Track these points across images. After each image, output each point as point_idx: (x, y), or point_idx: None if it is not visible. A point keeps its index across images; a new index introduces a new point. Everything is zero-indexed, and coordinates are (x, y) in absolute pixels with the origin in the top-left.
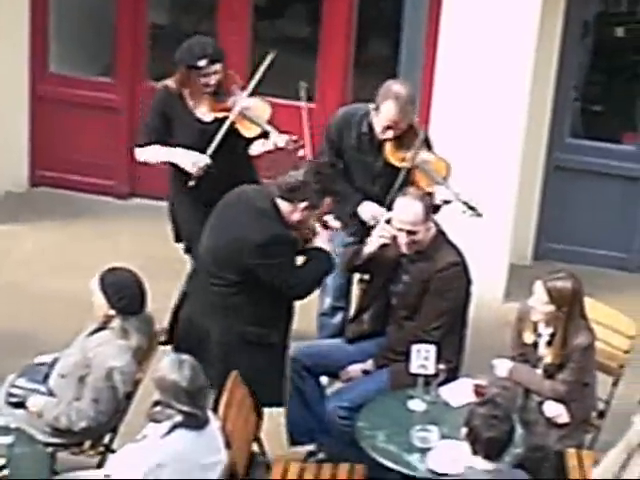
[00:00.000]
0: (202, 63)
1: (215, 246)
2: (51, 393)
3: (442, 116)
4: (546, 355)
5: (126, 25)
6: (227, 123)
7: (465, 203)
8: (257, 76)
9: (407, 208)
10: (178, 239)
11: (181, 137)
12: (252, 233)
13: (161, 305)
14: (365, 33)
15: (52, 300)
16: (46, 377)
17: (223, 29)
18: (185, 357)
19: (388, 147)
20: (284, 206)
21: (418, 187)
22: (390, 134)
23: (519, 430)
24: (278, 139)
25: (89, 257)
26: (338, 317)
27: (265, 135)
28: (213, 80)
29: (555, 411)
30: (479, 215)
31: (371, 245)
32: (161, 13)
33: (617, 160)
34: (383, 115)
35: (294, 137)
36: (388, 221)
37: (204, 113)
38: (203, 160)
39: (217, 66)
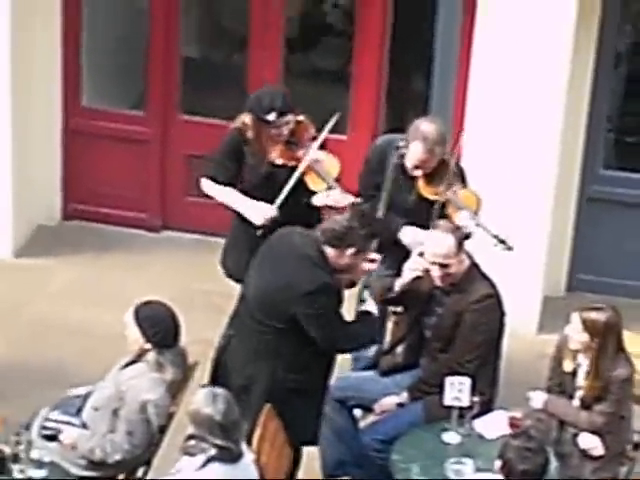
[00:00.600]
0: (271, 117)
1: (262, 293)
2: (84, 426)
3: (474, 150)
4: (583, 386)
5: (158, 58)
6: (297, 173)
7: (495, 237)
8: (327, 129)
9: (439, 241)
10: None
11: (248, 178)
12: (301, 281)
13: (194, 337)
14: (397, 67)
15: (85, 333)
16: (79, 410)
17: (254, 61)
18: (219, 390)
19: (421, 181)
20: (331, 253)
21: (451, 220)
22: (419, 173)
23: (554, 463)
24: (342, 198)
25: (121, 290)
26: (372, 349)
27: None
28: (285, 131)
29: (590, 443)
30: (509, 249)
31: (404, 278)
32: (193, 46)
33: None
34: (411, 155)
35: (359, 200)
36: (421, 254)
37: (274, 158)
38: (270, 212)
39: (287, 117)
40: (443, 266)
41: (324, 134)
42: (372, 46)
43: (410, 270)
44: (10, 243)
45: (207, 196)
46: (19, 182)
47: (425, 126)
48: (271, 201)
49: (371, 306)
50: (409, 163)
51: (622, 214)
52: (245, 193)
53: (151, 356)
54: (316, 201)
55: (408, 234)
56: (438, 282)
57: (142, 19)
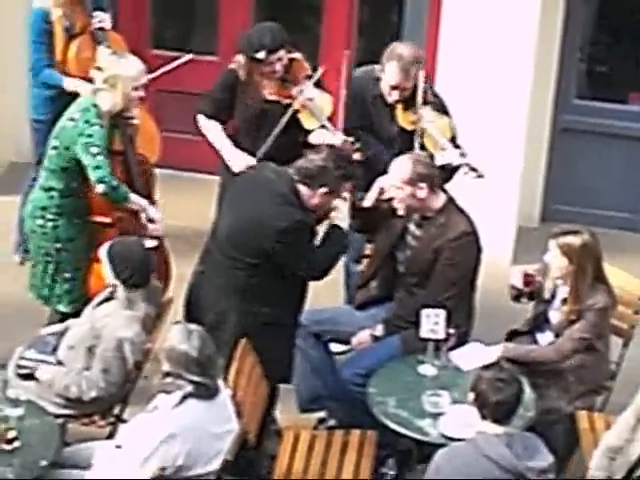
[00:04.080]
0: (261, 55)
1: (235, 229)
2: (60, 364)
3: (446, 78)
4: (561, 313)
5: None
6: (290, 111)
7: (467, 164)
8: (322, 69)
9: (395, 166)
10: None
11: (241, 115)
12: (274, 219)
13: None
14: None
15: None
16: (54, 349)
17: None
18: (194, 327)
19: (399, 110)
20: (304, 190)
21: (434, 150)
22: (396, 95)
23: (529, 393)
24: (334, 138)
25: None
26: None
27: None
28: (278, 67)
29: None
30: (481, 176)
31: (371, 192)
32: None
33: (623, 121)
34: (387, 76)
35: (350, 138)
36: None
37: (268, 95)
38: (248, 163)
39: (278, 54)
40: (397, 189)
41: (318, 73)
42: None
43: (377, 186)
44: None
45: None
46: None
47: (400, 48)
48: (264, 136)
49: (339, 220)
50: (386, 85)
51: (595, 144)
52: (238, 131)
53: (120, 293)
54: (313, 139)
55: None
56: (399, 209)
57: None
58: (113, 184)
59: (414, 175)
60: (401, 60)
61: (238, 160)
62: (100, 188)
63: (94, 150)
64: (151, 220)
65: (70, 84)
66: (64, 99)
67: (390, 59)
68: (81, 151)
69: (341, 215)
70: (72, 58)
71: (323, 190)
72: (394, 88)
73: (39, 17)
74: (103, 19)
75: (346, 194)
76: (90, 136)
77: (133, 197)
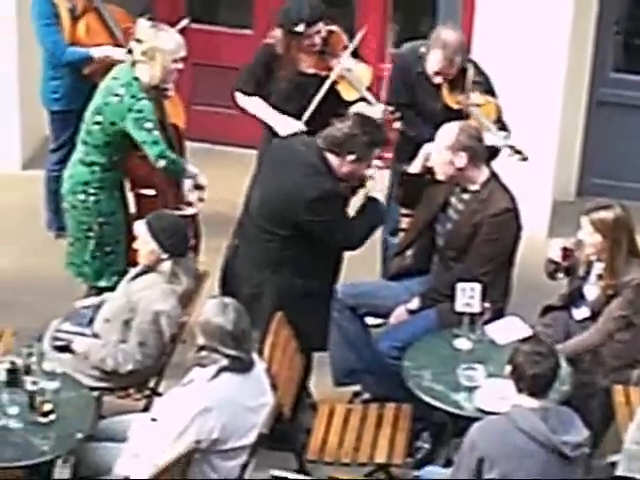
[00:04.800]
0: (300, 29)
1: (267, 202)
2: (96, 337)
3: (483, 56)
4: (597, 288)
5: None
6: (328, 82)
7: (511, 147)
8: (358, 38)
9: (442, 131)
10: None
11: (279, 89)
12: (305, 189)
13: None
14: None
15: None
16: (91, 321)
17: None
18: (229, 300)
19: (444, 90)
20: (332, 159)
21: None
22: (439, 79)
23: (565, 367)
24: (374, 109)
25: None
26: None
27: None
28: (317, 39)
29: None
30: (525, 159)
31: (417, 160)
32: None
33: None
34: (430, 62)
35: (390, 108)
36: None
37: (306, 67)
38: (297, 126)
39: (317, 27)
40: (439, 154)
41: (355, 42)
42: None
43: (423, 152)
44: None
45: None
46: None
47: (445, 34)
48: (303, 110)
49: (377, 193)
50: (430, 70)
51: (632, 117)
52: (276, 106)
53: (167, 266)
54: (354, 111)
55: None
56: (440, 175)
57: None
58: (172, 158)
59: (456, 143)
60: (446, 49)
61: (287, 124)
62: (161, 163)
63: (148, 125)
64: (198, 187)
65: (98, 52)
66: (87, 86)
67: (434, 46)
68: (133, 127)
69: (378, 186)
70: (83, 36)
71: (351, 157)
72: (437, 74)
73: (43, 1)
74: None
75: (377, 162)
76: (140, 111)
77: (189, 167)
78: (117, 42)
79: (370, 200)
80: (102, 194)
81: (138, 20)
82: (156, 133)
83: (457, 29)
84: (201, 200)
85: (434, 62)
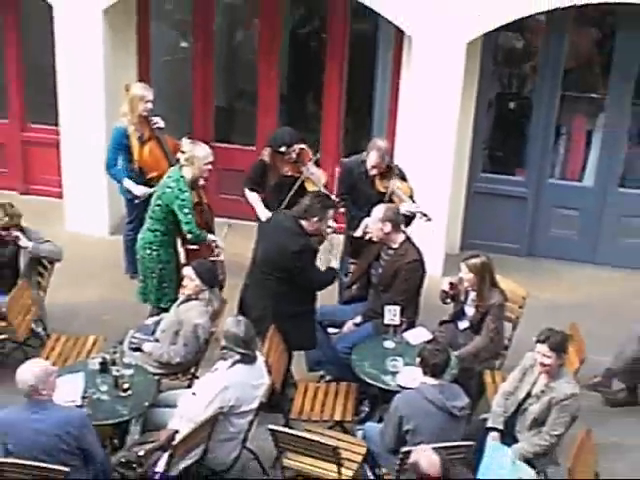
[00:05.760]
0: (282, 149)
1: (266, 255)
2: (157, 341)
3: (402, 156)
4: (471, 309)
5: None
6: (299, 181)
7: (421, 212)
8: (318, 155)
9: (375, 209)
10: None
11: (270, 185)
12: (289, 245)
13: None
14: (350, 110)
15: None
16: (153, 332)
17: (261, 109)
18: (241, 318)
19: (377, 180)
20: (304, 223)
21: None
22: (374, 171)
23: (454, 359)
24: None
25: None
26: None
27: None
28: (293, 155)
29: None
30: (430, 220)
31: (360, 227)
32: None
33: (511, 186)
34: (370, 160)
35: (337, 199)
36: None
37: (285, 172)
38: (267, 215)
39: (293, 147)
40: (373, 224)
41: (316, 157)
42: (334, 99)
43: (363, 223)
44: None
45: None
46: None
47: (379, 141)
48: (283, 199)
49: (334, 263)
50: (369, 165)
51: (495, 201)
52: (268, 196)
53: (206, 294)
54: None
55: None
56: (372, 237)
57: None
58: (197, 232)
59: (384, 216)
60: (379, 150)
61: (264, 213)
62: (189, 235)
63: (186, 210)
64: (217, 246)
65: (127, 184)
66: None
67: (372, 149)
68: (177, 209)
69: (334, 250)
70: (147, 157)
71: (315, 219)
72: (373, 167)
73: (120, 132)
74: (158, 121)
75: (332, 222)
76: (183, 200)
77: (208, 236)
78: (169, 160)
79: (329, 268)
80: (161, 250)
81: (183, 139)
82: (190, 216)
83: (385, 140)
84: (218, 255)
85: (372, 159)
